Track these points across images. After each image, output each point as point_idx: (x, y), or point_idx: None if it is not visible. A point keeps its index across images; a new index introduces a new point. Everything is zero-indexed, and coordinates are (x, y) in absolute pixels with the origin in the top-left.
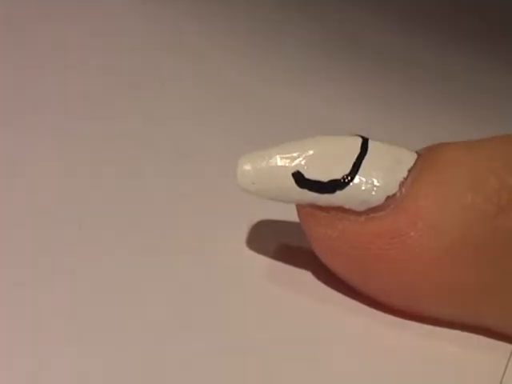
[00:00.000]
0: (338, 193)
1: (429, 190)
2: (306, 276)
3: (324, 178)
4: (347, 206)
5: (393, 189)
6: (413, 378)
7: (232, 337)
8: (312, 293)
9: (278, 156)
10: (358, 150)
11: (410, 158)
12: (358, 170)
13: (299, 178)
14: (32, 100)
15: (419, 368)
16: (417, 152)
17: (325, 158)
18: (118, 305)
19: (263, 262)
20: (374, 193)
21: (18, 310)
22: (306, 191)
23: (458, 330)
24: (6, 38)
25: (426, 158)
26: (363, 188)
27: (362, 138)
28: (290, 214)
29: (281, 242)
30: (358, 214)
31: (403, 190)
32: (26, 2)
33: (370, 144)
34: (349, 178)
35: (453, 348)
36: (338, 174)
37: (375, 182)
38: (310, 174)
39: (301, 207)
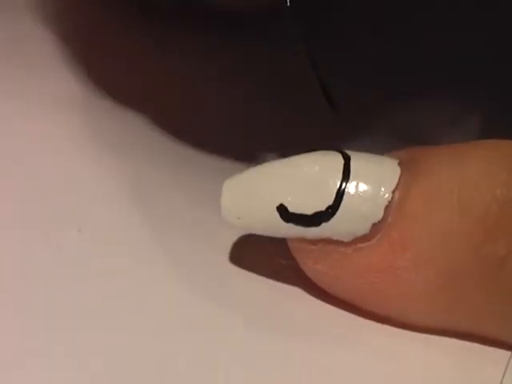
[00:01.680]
0: (324, 225)
1: (414, 217)
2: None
3: (308, 210)
4: (334, 238)
5: (378, 216)
6: (414, 368)
7: (222, 343)
8: (303, 300)
9: (260, 187)
10: (340, 176)
11: (392, 176)
12: (341, 199)
13: (284, 212)
14: None
15: (415, 377)
16: (399, 162)
17: (307, 186)
18: (119, 306)
19: (251, 272)
20: (359, 222)
21: (17, 311)
22: (292, 225)
23: (454, 338)
24: None
25: (409, 175)
26: (348, 218)
27: (343, 155)
28: None
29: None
30: (346, 244)
31: (389, 216)
32: None
33: (352, 164)
34: (333, 208)
35: (449, 356)
36: (321, 204)
37: (360, 211)
38: (293, 207)
39: (290, 241)
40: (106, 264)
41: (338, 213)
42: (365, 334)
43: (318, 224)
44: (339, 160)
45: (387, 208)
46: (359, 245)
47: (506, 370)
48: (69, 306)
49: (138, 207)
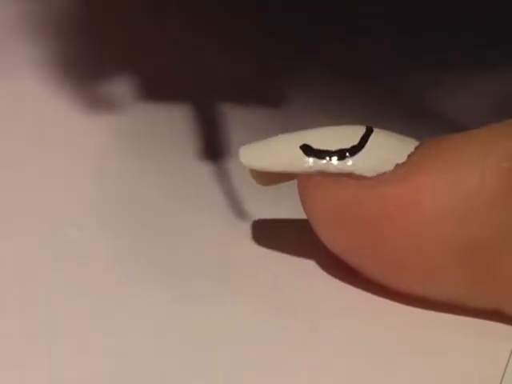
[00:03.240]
0: (348, 159)
1: (438, 165)
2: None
3: (333, 147)
4: (358, 173)
5: (402, 158)
6: (414, 368)
7: (239, 329)
8: (314, 284)
9: (282, 138)
10: (363, 131)
11: (413, 142)
12: (366, 142)
13: (307, 150)
14: None
15: (421, 358)
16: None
17: (332, 134)
18: (118, 305)
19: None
20: (383, 158)
21: (17, 312)
22: (315, 159)
23: (464, 316)
24: None
25: (430, 141)
26: (372, 156)
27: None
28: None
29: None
30: (369, 179)
31: (413, 159)
32: None
33: (375, 129)
34: (358, 147)
35: (449, 356)
36: (346, 144)
37: (384, 152)
38: (317, 145)
39: (307, 179)
40: (106, 263)
41: (363, 150)
42: (370, 312)
43: (341, 158)
44: (362, 126)
45: (411, 155)
46: (381, 178)
47: (505, 369)
48: (68, 305)
49: (138, 206)
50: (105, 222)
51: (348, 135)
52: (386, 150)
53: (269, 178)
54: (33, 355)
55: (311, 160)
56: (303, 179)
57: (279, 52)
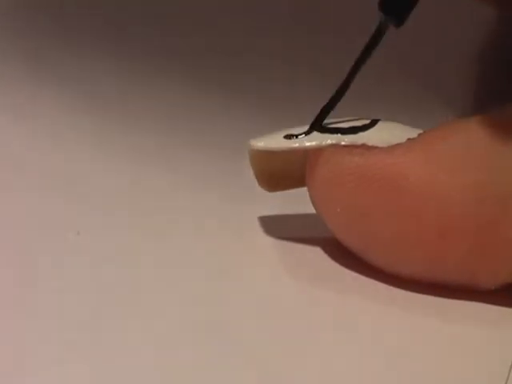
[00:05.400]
0: (361, 133)
1: (451, 135)
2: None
3: (345, 125)
4: (370, 144)
5: (413, 135)
6: (422, 362)
7: (247, 323)
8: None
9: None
10: (372, 118)
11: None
12: (377, 123)
13: (319, 128)
14: None
15: (416, 375)
16: None
17: (342, 120)
18: (119, 309)
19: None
20: (395, 134)
21: (17, 314)
22: (327, 134)
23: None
24: None
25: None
26: (385, 130)
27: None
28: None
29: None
30: (381, 148)
31: (423, 134)
32: None
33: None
34: (369, 125)
35: (454, 356)
36: (358, 123)
37: (395, 129)
38: (329, 126)
39: (319, 154)
40: (105, 267)
41: (375, 127)
42: (374, 302)
43: (354, 133)
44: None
45: (422, 133)
46: (393, 147)
47: (510, 369)
48: (68, 308)
49: (137, 209)
50: (105, 224)
51: (358, 120)
52: (397, 129)
53: (274, 182)
54: (32, 356)
55: (323, 135)
56: (314, 155)
57: None
